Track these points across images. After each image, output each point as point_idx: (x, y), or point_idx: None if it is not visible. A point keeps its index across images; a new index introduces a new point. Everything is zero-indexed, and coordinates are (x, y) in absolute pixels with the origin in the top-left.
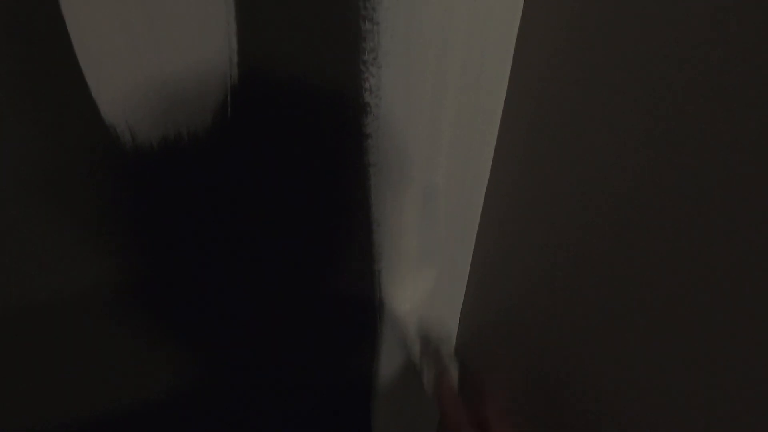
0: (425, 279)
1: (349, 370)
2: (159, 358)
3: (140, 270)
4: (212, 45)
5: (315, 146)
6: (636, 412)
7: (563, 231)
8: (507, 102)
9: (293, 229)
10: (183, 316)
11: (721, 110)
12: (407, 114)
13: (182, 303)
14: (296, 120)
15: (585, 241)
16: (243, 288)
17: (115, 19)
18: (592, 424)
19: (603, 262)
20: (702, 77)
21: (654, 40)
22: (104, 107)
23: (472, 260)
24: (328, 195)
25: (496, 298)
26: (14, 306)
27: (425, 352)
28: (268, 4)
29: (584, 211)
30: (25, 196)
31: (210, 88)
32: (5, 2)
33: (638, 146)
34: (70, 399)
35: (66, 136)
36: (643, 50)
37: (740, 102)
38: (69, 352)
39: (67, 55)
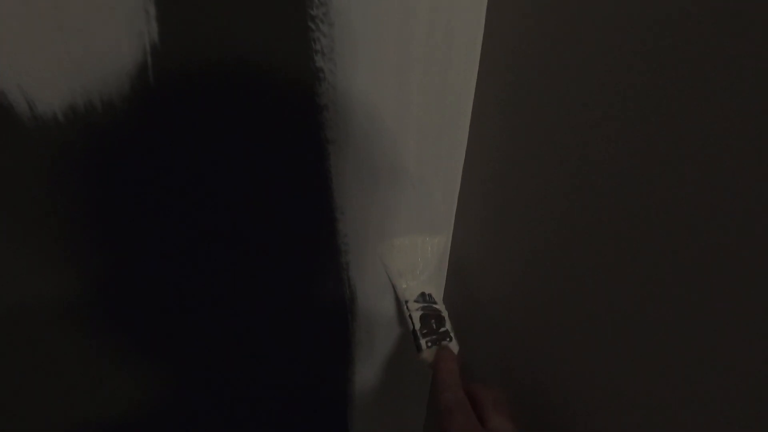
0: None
1: (320, 377)
2: (121, 371)
3: (71, 268)
4: None
5: (260, 118)
6: (618, 408)
7: (548, 222)
8: (480, 77)
9: (239, 217)
10: (132, 321)
11: (694, 104)
12: (368, 83)
13: (127, 307)
14: (234, 86)
15: (570, 231)
16: (191, 288)
17: None
18: (572, 421)
19: (588, 254)
20: (675, 68)
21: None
22: None
23: (451, 251)
24: (279, 176)
25: (476, 293)
26: None
27: (424, 326)
28: None
29: (567, 197)
30: None
31: (122, 47)
32: None
33: (619, 123)
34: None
35: None
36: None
37: (716, 91)
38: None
39: None
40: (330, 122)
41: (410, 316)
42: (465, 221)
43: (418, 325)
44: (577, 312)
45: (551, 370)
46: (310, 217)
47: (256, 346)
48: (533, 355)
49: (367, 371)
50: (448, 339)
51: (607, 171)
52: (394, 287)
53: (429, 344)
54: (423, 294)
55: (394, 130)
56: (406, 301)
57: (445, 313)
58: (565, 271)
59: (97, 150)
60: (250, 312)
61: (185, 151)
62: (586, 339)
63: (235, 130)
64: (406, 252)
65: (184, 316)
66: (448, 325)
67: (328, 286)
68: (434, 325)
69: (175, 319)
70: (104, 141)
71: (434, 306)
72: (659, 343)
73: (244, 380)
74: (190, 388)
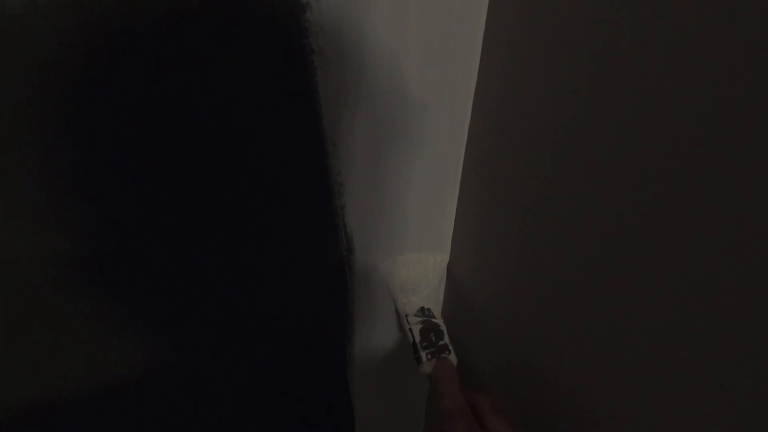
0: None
1: (319, 337)
2: (109, 334)
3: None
4: None
5: (225, 18)
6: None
7: (539, 233)
8: None
9: (208, 149)
10: (121, 278)
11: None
12: None
13: (110, 267)
14: None
15: (563, 239)
16: (171, 242)
17: None
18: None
19: (582, 260)
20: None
21: None
22: None
23: (449, 267)
24: (254, 97)
25: (471, 306)
26: None
27: (424, 339)
28: None
29: (563, 201)
30: None
31: None
32: None
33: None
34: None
35: None
36: None
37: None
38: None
39: None
40: (314, 26)
41: (410, 329)
42: (461, 237)
43: (418, 338)
44: (572, 320)
45: (547, 377)
46: (295, 150)
47: (251, 306)
48: (530, 363)
49: (366, 331)
50: (447, 352)
51: (602, 175)
52: (394, 301)
53: (429, 356)
54: (422, 309)
55: (390, 38)
56: (406, 315)
57: (443, 328)
58: (558, 281)
59: (22, 54)
60: (240, 268)
61: (135, 58)
62: (580, 346)
63: (195, 31)
64: (409, 269)
65: (172, 276)
66: (446, 339)
67: (321, 234)
68: (433, 339)
69: (164, 279)
70: (33, 41)
71: (433, 320)
72: (651, 344)
73: (242, 343)
74: (185, 353)
